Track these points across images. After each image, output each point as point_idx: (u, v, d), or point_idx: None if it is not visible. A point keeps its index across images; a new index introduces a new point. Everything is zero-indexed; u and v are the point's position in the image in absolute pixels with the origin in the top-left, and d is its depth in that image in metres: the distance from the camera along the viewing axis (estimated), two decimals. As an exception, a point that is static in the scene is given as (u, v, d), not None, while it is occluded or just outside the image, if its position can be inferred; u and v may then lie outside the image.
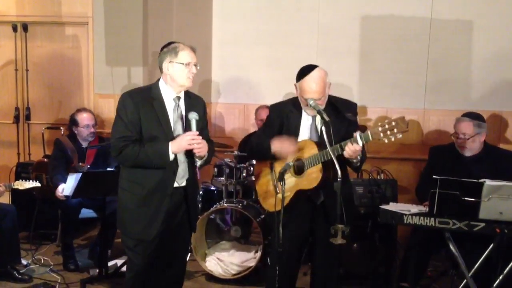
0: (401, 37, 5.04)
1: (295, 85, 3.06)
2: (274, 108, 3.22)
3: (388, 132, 2.77)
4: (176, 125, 2.93)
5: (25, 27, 5.54)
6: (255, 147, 3.21)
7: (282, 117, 3.11)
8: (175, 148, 2.83)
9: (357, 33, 5.10)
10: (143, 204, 2.91)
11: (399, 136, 2.77)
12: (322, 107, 2.93)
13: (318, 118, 3.01)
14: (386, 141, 2.78)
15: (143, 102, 2.87)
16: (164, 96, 2.92)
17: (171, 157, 2.83)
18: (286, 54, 5.19)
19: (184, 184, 3.00)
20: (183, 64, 2.86)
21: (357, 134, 2.82)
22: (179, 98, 2.95)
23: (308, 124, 3.07)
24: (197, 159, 2.93)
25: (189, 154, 2.93)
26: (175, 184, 2.95)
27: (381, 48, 5.09)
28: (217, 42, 5.39)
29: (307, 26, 5.18)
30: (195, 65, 2.91)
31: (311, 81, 2.94)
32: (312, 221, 3.12)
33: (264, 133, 3.18)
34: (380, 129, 2.79)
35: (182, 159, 2.95)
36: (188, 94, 3.04)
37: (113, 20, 5.52)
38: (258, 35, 5.28)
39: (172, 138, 2.87)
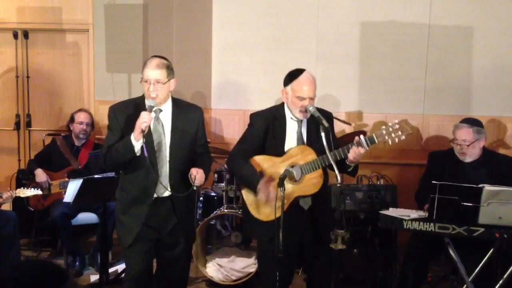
0: (400, 43, 5.06)
1: (283, 90, 3.06)
2: (258, 116, 3.11)
3: (393, 134, 2.82)
4: (158, 138, 2.91)
5: (26, 34, 5.55)
6: (239, 175, 3.11)
7: (268, 124, 3.05)
8: (134, 132, 2.76)
9: (356, 39, 5.11)
10: (126, 212, 2.98)
11: (403, 137, 2.82)
12: (312, 109, 2.93)
13: (304, 123, 3.04)
14: (391, 142, 2.82)
15: (127, 114, 2.91)
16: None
17: (135, 144, 2.75)
18: (285, 60, 5.19)
19: (167, 194, 2.96)
20: (142, 80, 2.91)
21: (362, 137, 2.84)
22: (160, 110, 2.92)
23: (294, 130, 3.05)
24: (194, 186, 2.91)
25: (186, 180, 2.90)
26: (154, 195, 2.94)
27: (380, 54, 5.11)
28: (216, 48, 5.40)
29: (306, 32, 5.19)
30: (159, 83, 2.86)
31: (305, 79, 2.97)
32: (300, 227, 3.05)
33: (248, 146, 3.06)
34: (384, 131, 2.83)
35: (162, 170, 2.92)
36: (178, 104, 3.02)
37: (114, 27, 5.54)
38: (258, 41, 5.30)
39: (154, 152, 2.88)
